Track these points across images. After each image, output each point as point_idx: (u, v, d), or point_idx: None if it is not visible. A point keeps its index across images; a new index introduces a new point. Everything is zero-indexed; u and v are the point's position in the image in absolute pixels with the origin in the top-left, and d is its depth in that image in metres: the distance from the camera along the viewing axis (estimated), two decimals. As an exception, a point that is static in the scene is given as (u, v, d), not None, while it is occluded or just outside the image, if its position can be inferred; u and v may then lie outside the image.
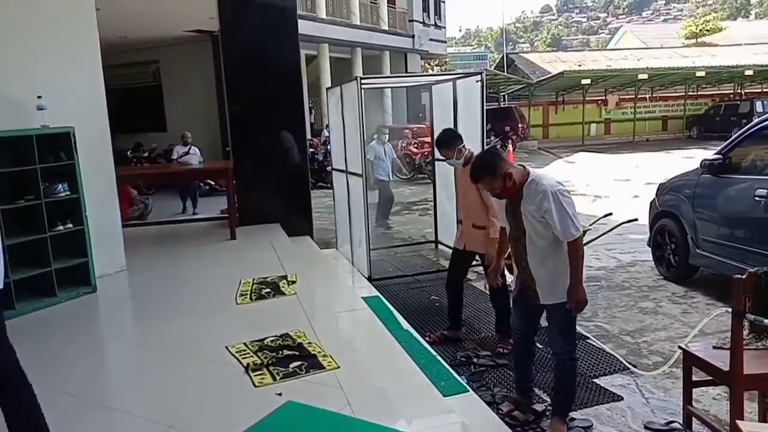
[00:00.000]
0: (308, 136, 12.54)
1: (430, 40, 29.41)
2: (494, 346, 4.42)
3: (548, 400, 3.62)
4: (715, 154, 5.46)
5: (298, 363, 3.27)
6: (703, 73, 25.19)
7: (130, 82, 14.91)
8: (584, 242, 6.17)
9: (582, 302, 3.03)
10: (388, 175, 9.89)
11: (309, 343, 3.57)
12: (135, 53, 14.20)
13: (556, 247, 3.06)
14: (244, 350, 3.50)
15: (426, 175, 10.99)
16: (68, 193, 4.76)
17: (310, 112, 20.87)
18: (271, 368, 3.22)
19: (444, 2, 33.05)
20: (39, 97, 4.56)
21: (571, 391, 3.26)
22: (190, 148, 10.05)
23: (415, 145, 16.46)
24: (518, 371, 3.55)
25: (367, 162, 8.52)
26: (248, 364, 3.29)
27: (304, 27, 11.41)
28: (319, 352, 3.42)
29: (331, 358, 3.33)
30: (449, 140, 4.60)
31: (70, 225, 4.79)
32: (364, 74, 20.26)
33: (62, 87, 4.92)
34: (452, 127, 6.93)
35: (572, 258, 3.01)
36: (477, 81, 6.32)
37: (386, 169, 9.82)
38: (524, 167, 3.17)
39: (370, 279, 6.16)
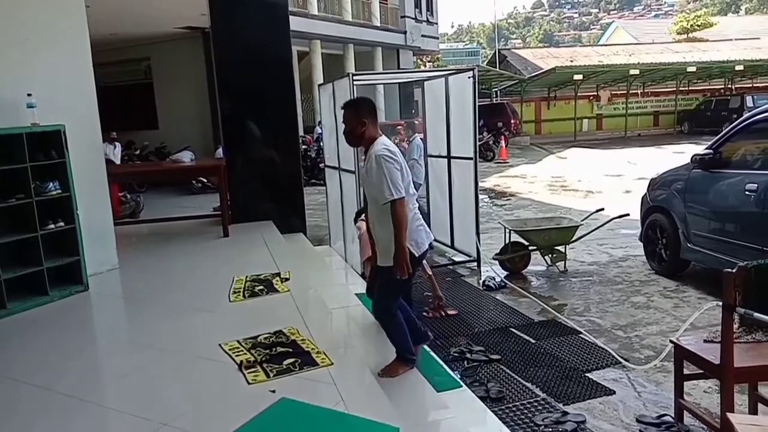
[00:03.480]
0: (300, 132, 12.53)
1: (423, 36, 29.38)
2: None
3: (541, 394, 3.65)
4: (706, 149, 5.49)
5: (292, 360, 3.27)
6: (694, 69, 25.30)
7: (121, 80, 14.84)
8: (576, 238, 6.30)
9: (403, 266, 3.23)
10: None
11: (302, 339, 3.57)
12: (126, 50, 14.12)
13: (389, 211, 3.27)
14: (238, 347, 3.50)
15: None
16: (59, 191, 4.73)
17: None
18: (264, 365, 3.22)
19: (436, -2, 33.00)
20: (29, 95, 4.52)
21: (399, 339, 3.53)
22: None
23: (408, 142, 16.52)
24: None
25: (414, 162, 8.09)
26: (241, 361, 3.29)
27: (295, 23, 11.37)
28: (312, 348, 3.42)
29: (325, 354, 3.33)
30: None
31: (62, 223, 4.76)
32: (356, 70, 20.28)
33: (52, 85, 4.89)
34: (445, 123, 6.95)
35: (393, 221, 3.25)
36: (469, 77, 6.32)
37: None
38: (381, 135, 3.45)
39: (363, 276, 6.16)
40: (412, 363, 3.59)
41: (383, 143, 3.40)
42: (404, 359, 3.57)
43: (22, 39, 4.76)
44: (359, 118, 3.43)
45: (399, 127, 18.26)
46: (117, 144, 11.93)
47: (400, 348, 3.58)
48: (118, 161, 11.55)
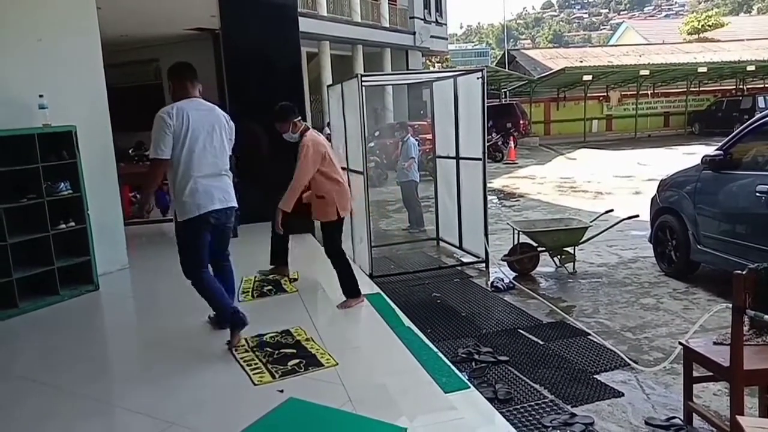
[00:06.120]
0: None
1: (431, 37, 29.37)
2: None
3: (549, 395, 3.64)
4: (717, 150, 5.45)
5: (297, 360, 3.28)
6: (704, 69, 25.10)
7: (131, 81, 14.90)
8: (585, 239, 6.27)
9: (138, 213, 3.58)
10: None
11: (307, 339, 3.59)
12: (136, 52, 14.20)
13: (172, 168, 3.41)
14: (244, 347, 3.51)
15: (427, 172, 10.97)
16: (70, 191, 4.78)
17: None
18: (269, 366, 3.24)
19: (445, -1, 33.00)
20: (41, 96, 4.57)
21: (209, 299, 3.57)
22: None
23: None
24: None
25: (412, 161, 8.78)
26: (247, 361, 3.31)
27: (305, 24, 11.39)
28: (317, 349, 3.44)
29: (330, 355, 3.35)
30: (283, 113, 4.50)
31: (73, 223, 4.81)
32: (365, 71, 20.32)
33: (64, 86, 4.94)
34: (454, 124, 6.95)
35: (145, 177, 3.47)
36: (478, 78, 6.32)
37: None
38: (194, 96, 3.57)
39: (371, 276, 6.17)
40: (239, 325, 3.48)
41: (173, 105, 3.41)
42: (228, 321, 3.54)
43: (35, 40, 4.81)
44: (169, 81, 3.58)
45: (408, 127, 18.38)
46: None
47: (217, 313, 3.65)
48: None
